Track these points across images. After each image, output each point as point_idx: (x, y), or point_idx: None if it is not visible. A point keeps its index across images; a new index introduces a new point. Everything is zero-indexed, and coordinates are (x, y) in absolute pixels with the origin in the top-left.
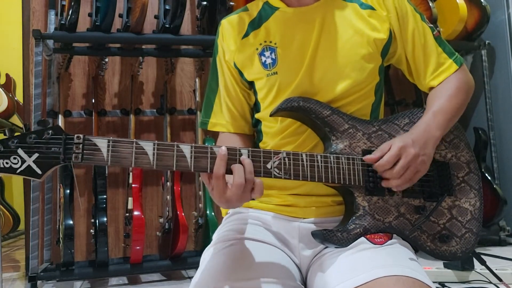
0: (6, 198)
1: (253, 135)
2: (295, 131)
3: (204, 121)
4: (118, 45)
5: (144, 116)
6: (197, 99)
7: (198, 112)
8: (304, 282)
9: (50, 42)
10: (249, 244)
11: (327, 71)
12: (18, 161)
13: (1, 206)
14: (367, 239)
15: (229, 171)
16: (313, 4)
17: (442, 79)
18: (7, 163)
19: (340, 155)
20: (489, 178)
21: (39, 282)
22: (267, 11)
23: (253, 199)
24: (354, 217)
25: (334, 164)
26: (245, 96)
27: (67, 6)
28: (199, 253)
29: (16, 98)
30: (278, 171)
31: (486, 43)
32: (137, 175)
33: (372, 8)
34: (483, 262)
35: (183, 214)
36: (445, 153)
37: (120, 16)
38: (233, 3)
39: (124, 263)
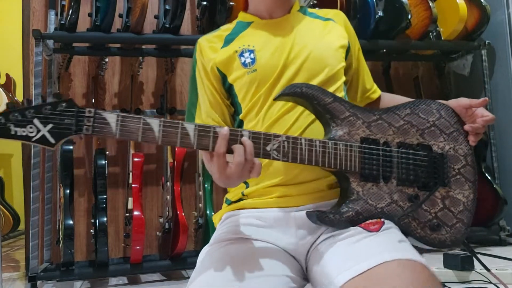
0: (6, 198)
1: None
2: (277, 123)
3: None
4: (118, 45)
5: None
6: None
7: None
8: (305, 273)
9: (50, 42)
10: (243, 243)
11: (302, 66)
12: (33, 130)
13: (1, 206)
14: (362, 228)
15: (230, 151)
16: (283, 16)
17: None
18: (23, 131)
19: (338, 141)
20: (489, 178)
21: (39, 282)
22: (242, 25)
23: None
24: (347, 201)
25: (331, 149)
26: (225, 104)
27: (67, 6)
28: (199, 253)
29: (16, 98)
30: (276, 154)
31: (486, 43)
32: (137, 175)
33: (334, 21)
34: (472, 251)
35: (183, 214)
36: (443, 145)
37: (120, 16)
38: (233, 3)
39: (124, 263)
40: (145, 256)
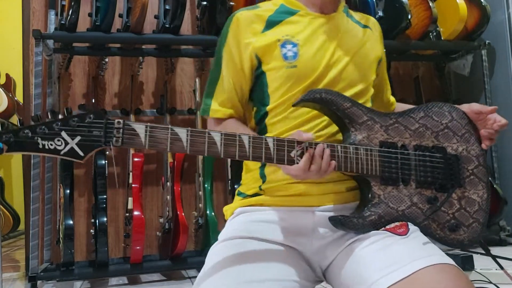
0: (6, 198)
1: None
2: (306, 125)
3: (206, 108)
4: (118, 45)
5: (144, 116)
6: (197, 99)
7: (198, 112)
8: (322, 274)
9: (50, 42)
10: (254, 245)
11: (341, 72)
12: (61, 143)
13: (1, 206)
14: (389, 231)
15: (282, 158)
16: (331, 14)
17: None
18: (51, 144)
19: (359, 146)
20: (489, 178)
21: (39, 282)
22: (286, 10)
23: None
24: (369, 205)
25: (353, 154)
26: (247, 89)
27: (67, 6)
28: (199, 253)
29: (16, 98)
30: (300, 160)
31: (486, 43)
32: (137, 175)
33: (371, 30)
34: (487, 251)
35: (183, 214)
36: (456, 146)
37: (120, 16)
38: (233, 3)
39: (124, 263)
40: (145, 256)
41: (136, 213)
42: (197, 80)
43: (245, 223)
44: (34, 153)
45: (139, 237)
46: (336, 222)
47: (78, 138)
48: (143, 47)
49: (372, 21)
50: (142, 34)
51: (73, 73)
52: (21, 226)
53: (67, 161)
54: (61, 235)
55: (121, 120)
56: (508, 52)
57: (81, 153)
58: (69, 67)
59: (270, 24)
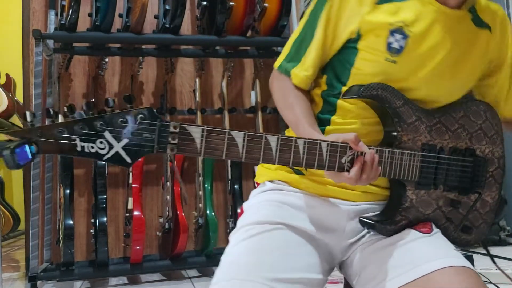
0: (6, 198)
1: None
2: (374, 126)
3: (286, 66)
4: (118, 45)
5: None
6: (197, 99)
7: (198, 112)
8: (338, 264)
9: (50, 42)
10: (284, 233)
11: (441, 87)
12: (105, 146)
13: (1, 206)
14: (413, 229)
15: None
16: (455, 10)
17: None
18: (92, 147)
19: (405, 151)
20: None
21: (39, 282)
22: None
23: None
24: (400, 209)
25: (397, 160)
26: (332, 53)
27: (67, 6)
28: (199, 253)
29: (16, 98)
30: (350, 166)
31: None
32: (137, 175)
33: (489, 30)
34: (487, 250)
35: (183, 214)
36: (484, 148)
37: (120, 16)
38: (233, 3)
39: (124, 263)
40: (145, 256)
41: (136, 213)
42: (197, 80)
43: (277, 204)
44: (70, 155)
45: (139, 237)
46: (368, 226)
47: (124, 141)
48: (143, 47)
49: (500, 18)
50: (142, 34)
51: (73, 73)
52: (21, 226)
53: (67, 161)
54: (61, 235)
55: (177, 123)
56: None
57: (128, 160)
58: (69, 67)
59: None
